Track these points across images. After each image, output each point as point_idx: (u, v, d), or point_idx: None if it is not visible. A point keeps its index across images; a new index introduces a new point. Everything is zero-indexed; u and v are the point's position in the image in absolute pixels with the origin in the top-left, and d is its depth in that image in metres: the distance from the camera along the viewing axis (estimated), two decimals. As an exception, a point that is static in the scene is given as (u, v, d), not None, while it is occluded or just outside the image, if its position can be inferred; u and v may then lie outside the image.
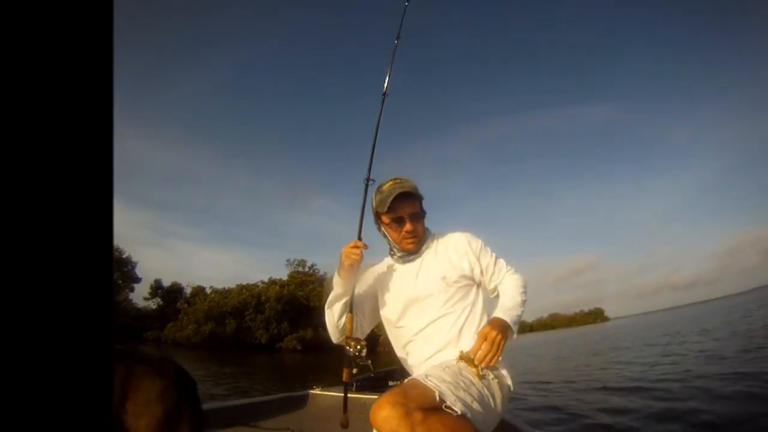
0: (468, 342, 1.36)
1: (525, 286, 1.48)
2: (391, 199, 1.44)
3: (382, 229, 1.56)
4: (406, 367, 1.57)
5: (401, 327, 1.51)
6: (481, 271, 1.50)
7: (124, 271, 40.91)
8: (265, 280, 42.42)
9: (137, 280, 43.86)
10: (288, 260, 48.05)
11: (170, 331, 37.83)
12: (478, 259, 1.50)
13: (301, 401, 2.72)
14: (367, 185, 1.52)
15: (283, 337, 36.50)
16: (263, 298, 38.25)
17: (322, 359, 23.81)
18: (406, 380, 1.18)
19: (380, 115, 1.68)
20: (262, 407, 2.43)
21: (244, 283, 41.99)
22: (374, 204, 1.54)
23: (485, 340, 1.25)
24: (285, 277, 43.13)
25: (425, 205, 1.57)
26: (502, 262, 1.53)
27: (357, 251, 1.38)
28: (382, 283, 1.56)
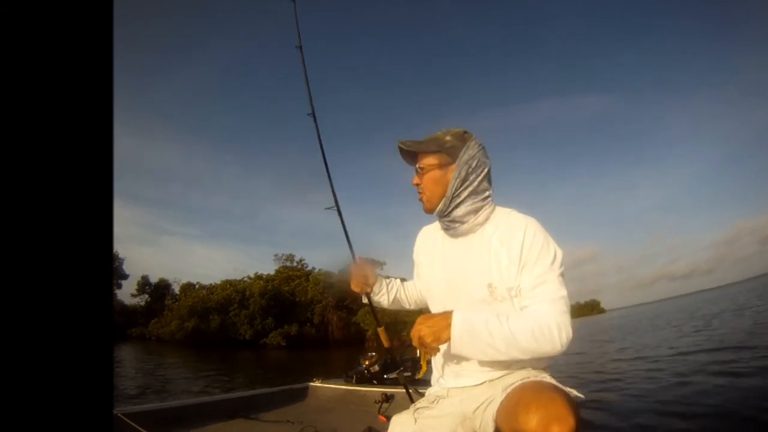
0: (498, 371, 1.16)
1: (544, 340, 1.00)
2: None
3: None
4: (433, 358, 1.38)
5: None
6: (518, 288, 1.11)
7: (109, 267, 40.84)
8: (252, 275, 42.30)
9: (124, 276, 43.89)
10: (276, 255, 48.03)
11: (154, 327, 37.73)
12: (522, 270, 1.10)
13: (302, 394, 2.71)
14: (339, 210, 1.57)
15: (267, 333, 36.35)
16: (248, 293, 38.04)
17: (307, 355, 23.67)
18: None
19: (304, 69, 1.56)
20: (263, 399, 2.43)
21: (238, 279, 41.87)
22: None
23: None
24: (273, 273, 42.95)
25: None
26: (550, 287, 1.07)
27: (361, 278, 1.47)
28: (425, 251, 1.40)
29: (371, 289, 1.49)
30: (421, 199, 1.29)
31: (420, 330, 1.01)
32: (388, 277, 1.57)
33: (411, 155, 1.30)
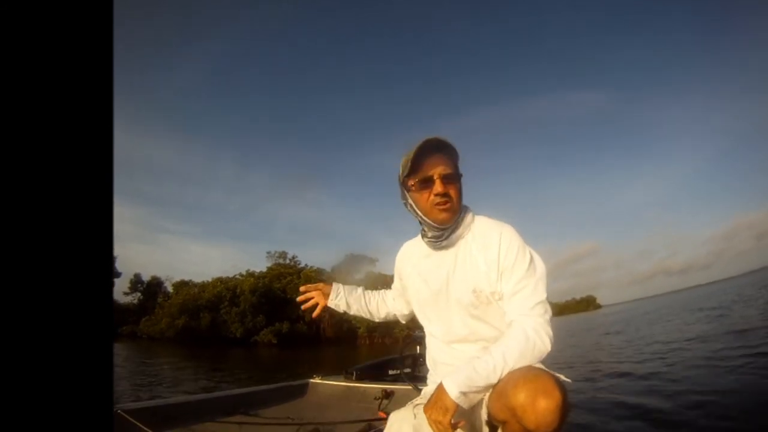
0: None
1: (532, 351, 1.06)
2: (413, 153, 1.16)
3: (409, 201, 1.26)
4: (428, 361, 1.41)
5: (429, 330, 1.37)
6: (501, 293, 1.17)
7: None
8: (244, 272, 42.09)
9: (117, 274, 43.67)
10: (269, 252, 47.96)
11: (145, 325, 37.52)
12: (501, 276, 1.16)
13: (301, 390, 2.72)
14: None
15: (258, 331, 36.16)
16: (238, 290, 37.83)
17: (298, 353, 23.49)
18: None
19: None
20: (262, 396, 2.43)
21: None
22: (399, 171, 1.26)
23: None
24: (265, 270, 42.76)
25: (467, 178, 1.25)
26: (529, 293, 1.13)
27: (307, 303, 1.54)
28: (411, 264, 1.37)
29: (326, 298, 1.55)
30: (446, 208, 1.19)
31: (430, 417, 1.01)
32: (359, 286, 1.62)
33: (437, 159, 1.19)
